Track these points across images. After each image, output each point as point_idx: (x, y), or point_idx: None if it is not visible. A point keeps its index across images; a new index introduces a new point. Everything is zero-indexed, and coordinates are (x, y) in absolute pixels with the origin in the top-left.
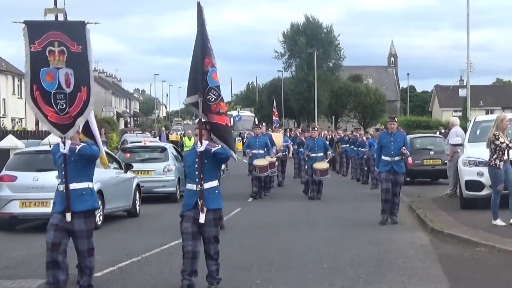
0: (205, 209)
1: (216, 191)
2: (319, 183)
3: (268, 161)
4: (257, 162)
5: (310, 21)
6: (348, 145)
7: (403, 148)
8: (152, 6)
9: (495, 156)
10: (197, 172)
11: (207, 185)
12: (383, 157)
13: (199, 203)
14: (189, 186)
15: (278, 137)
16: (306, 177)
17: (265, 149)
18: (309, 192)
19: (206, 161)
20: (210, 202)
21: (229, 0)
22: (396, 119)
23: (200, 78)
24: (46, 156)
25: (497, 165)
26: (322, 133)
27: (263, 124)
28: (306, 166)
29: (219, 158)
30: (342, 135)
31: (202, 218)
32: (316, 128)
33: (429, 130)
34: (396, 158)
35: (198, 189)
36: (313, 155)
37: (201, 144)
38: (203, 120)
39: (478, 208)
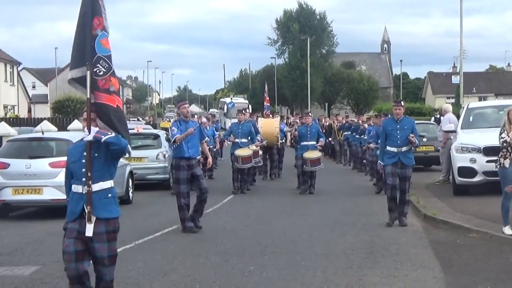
0: (93, 219)
1: (110, 195)
2: (311, 175)
3: (251, 150)
4: (239, 152)
5: (303, 7)
6: (349, 133)
7: (411, 135)
8: None
9: (500, 154)
10: (83, 169)
11: (97, 187)
12: (388, 148)
13: (86, 210)
14: (74, 188)
15: (273, 123)
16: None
17: (249, 138)
18: (300, 185)
19: (96, 154)
20: (100, 209)
21: None
22: (402, 103)
23: (88, 45)
24: (39, 143)
25: (502, 164)
26: (323, 119)
27: (247, 110)
28: (296, 156)
29: (112, 150)
30: (344, 121)
31: (89, 231)
32: (310, 114)
33: (422, 117)
34: (404, 149)
35: (85, 192)
36: (305, 143)
37: (89, 131)
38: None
39: (470, 194)
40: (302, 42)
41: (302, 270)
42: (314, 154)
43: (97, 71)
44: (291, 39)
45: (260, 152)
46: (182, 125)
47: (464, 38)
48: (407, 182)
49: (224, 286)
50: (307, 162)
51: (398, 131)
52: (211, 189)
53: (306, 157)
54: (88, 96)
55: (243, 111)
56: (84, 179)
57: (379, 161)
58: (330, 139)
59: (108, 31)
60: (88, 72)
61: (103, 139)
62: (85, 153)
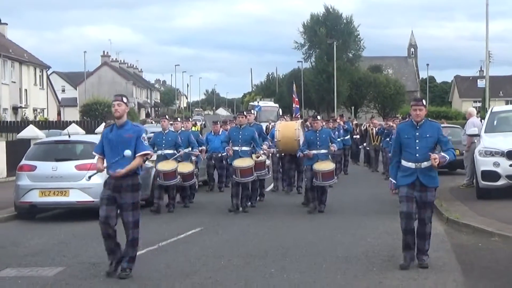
0: None
1: None
2: (322, 190)
3: (253, 161)
4: (238, 162)
5: (330, 11)
6: (383, 138)
7: (433, 157)
8: None
9: None
10: None
11: None
12: (403, 163)
13: None
14: None
15: (293, 126)
16: (305, 181)
17: (252, 145)
18: (307, 202)
19: None
20: None
21: None
22: (424, 102)
23: None
24: (65, 146)
25: None
26: (353, 122)
27: (252, 112)
28: (305, 167)
29: None
30: (384, 125)
31: None
32: (319, 117)
33: (448, 121)
34: (424, 164)
35: None
36: (314, 151)
37: None
38: None
39: (494, 198)
40: (328, 46)
41: (322, 273)
42: (326, 165)
43: None
44: (317, 43)
45: (268, 162)
46: (113, 132)
47: (490, 41)
48: (428, 210)
49: None
50: (317, 176)
51: (417, 140)
52: (219, 202)
53: (317, 169)
54: None
55: (246, 114)
56: None
57: (390, 178)
58: (364, 144)
59: None
60: None
61: None
62: None
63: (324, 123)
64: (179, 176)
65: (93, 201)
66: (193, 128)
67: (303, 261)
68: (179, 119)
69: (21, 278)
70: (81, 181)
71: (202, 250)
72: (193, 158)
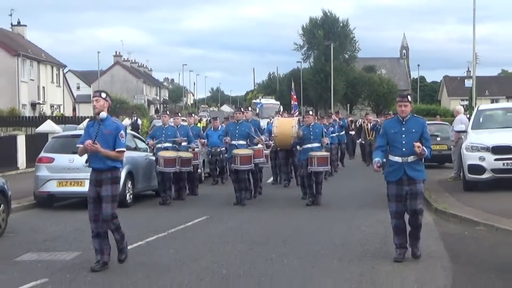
0: None
1: None
2: (317, 180)
3: (251, 150)
4: (237, 150)
5: (328, 15)
6: (377, 134)
7: (417, 144)
8: (174, 0)
9: None
10: None
11: None
12: (390, 158)
13: None
14: None
15: (290, 123)
16: (302, 172)
17: (248, 140)
18: (307, 197)
19: None
20: None
21: None
22: (409, 98)
23: None
24: None
25: None
26: (348, 119)
27: (249, 108)
28: (301, 163)
29: None
30: (379, 121)
31: None
32: (311, 112)
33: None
34: (411, 158)
35: None
36: (308, 145)
37: None
38: None
39: (479, 190)
40: (326, 48)
41: (320, 258)
42: (321, 153)
43: None
44: (316, 44)
45: (267, 151)
46: (94, 127)
47: (477, 44)
48: (418, 201)
49: (248, 272)
50: (313, 161)
51: (404, 135)
52: (223, 193)
53: (312, 155)
54: None
55: (242, 109)
56: None
57: (374, 160)
58: (360, 139)
59: None
60: None
61: None
62: None
63: (318, 120)
64: (178, 167)
65: None
66: (199, 124)
67: (302, 248)
68: (179, 114)
69: (41, 262)
70: None
71: (208, 237)
72: (190, 150)
